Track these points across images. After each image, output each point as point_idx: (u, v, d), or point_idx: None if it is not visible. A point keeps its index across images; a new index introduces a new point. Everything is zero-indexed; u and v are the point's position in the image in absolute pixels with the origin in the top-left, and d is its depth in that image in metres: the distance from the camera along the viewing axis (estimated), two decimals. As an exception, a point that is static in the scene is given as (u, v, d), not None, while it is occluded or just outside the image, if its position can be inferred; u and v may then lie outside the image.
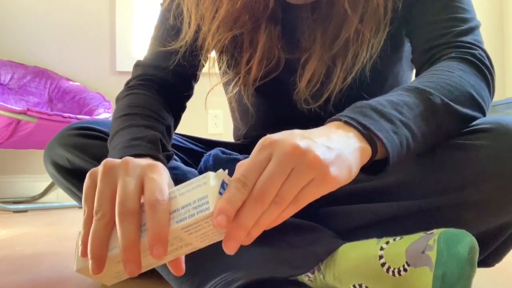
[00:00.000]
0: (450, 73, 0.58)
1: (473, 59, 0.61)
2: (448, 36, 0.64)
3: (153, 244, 0.39)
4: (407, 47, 0.77)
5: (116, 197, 0.42)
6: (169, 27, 0.78)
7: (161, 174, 0.44)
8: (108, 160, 0.46)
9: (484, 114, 0.59)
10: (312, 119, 0.73)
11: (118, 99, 0.74)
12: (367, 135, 0.46)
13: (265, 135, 0.42)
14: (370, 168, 0.49)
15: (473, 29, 0.65)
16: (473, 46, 0.63)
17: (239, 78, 0.74)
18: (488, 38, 2.60)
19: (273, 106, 0.80)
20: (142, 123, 0.65)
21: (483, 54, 0.63)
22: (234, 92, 0.78)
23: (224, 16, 0.70)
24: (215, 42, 0.73)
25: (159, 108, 0.71)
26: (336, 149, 0.42)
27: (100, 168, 0.45)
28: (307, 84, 0.70)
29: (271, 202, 0.39)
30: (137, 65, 0.80)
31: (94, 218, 0.42)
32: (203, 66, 0.81)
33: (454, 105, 0.55)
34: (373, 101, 0.51)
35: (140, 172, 0.44)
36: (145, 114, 0.67)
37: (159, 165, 0.46)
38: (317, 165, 0.39)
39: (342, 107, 0.51)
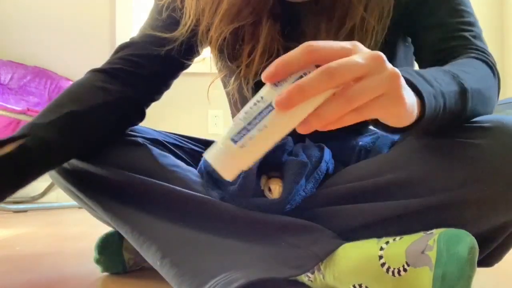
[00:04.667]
0: (475, 70, 0.60)
1: (490, 64, 0.65)
2: (464, 39, 0.67)
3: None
4: (404, 47, 0.78)
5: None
6: (161, 19, 0.78)
7: None
8: None
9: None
10: None
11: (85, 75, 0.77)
12: (418, 92, 0.46)
13: None
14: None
15: (481, 35, 0.70)
16: (488, 52, 0.67)
17: (241, 70, 0.75)
18: (488, 38, 2.59)
19: None
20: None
21: (494, 63, 0.67)
22: (236, 84, 0.78)
23: (227, 9, 0.71)
24: (217, 35, 0.73)
25: (86, 96, 0.72)
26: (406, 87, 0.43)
27: None
28: None
29: (344, 98, 0.38)
30: (118, 50, 0.81)
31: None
32: (187, 66, 0.81)
33: (476, 93, 0.56)
34: (415, 69, 0.51)
35: None
36: (57, 107, 0.69)
37: None
38: (395, 78, 0.40)
39: None
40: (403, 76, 0.46)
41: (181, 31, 0.76)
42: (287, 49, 0.73)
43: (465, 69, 0.58)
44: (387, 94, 0.40)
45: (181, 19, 0.77)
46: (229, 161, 0.40)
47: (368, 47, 0.68)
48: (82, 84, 0.75)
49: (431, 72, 0.53)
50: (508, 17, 2.59)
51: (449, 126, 0.56)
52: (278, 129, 0.39)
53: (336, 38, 0.69)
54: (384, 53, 0.72)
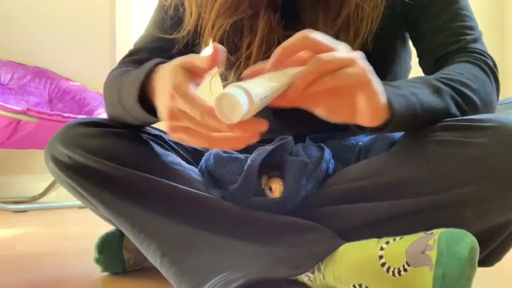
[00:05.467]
0: (460, 75, 0.62)
1: (485, 67, 0.66)
2: (462, 42, 0.69)
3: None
4: (404, 53, 0.79)
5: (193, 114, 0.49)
6: (168, 19, 0.80)
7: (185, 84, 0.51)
8: (161, 110, 0.54)
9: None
10: None
11: (108, 75, 0.79)
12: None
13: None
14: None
15: (480, 38, 0.71)
16: (486, 55, 0.68)
17: (240, 62, 0.75)
18: (488, 38, 2.59)
19: None
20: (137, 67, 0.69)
21: (494, 63, 0.68)
22: (235, 76, 0.78)
23: (223, 3, 0.72)
24: (216, 29, 0.75)
25: None
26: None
27: (167, 123, 0.53)
28: None
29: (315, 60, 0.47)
30: (128, 54, 0.84)
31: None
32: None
33: (456, 92, 0.59)
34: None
35: (174, 91, 0.51)
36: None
37: (175, 69, 0.52)
38: (364, 69, 0.48)
39: None
40: None
41: (187, 29, 0.77)
42: (286, 39, 0.74)
43: (446, 73, 0.62)
44: (353, 65, 0.48)
45: (184, 17, 0.78)
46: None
47: (364, 35, 0.71)
48: (110, 78, 0.77)
49: (401, 81, 0.59)
50: (508, 17, 2.59)
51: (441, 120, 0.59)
52: (274, 79, 0.47)
53: (333, 26, 0.71)
54: (381, 46, 0.75)
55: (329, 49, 0.49)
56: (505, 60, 2.54)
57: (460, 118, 0.57)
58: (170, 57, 0.78)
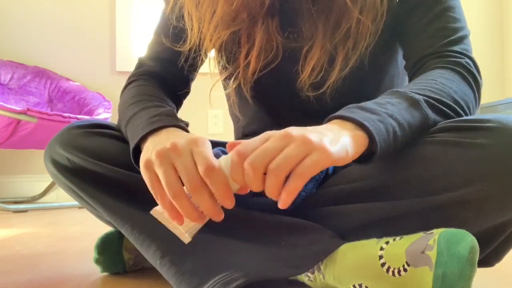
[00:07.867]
0: (433, 81, 0.61)
1: (458, 68, 0.65)
2: (437, 46, 0.68)
3: (223, 201, 0.51)
4: (401, 53, 0.79)
5: (183, 178, 0.51)
6: (172, 29, 0.81)
7: (205, 146, 0.53)
8: (158, 148, 0.54)
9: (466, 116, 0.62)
10: (309, 111, 0.75)
11: (122, 92, 0.80)
12: (359, 124, 0.52)
13: (263, 129, 0.46)
14: (364, 158, 0.53)
15: (462, 38, 0.68)
16: (461, 55, 0.66)
17: (239, 72, 0.75)
18: (488, 38, 2.59)
19: (273, 97, 0.81)
20: (153, 104, 0.71)
21: (470, 63, 0.66)
22: (234, 87, 0.79)
23: (222, 16, 0.72)
24: (214, 40, 0.75)
25: (163, 95, 0.77)
26: (328, 135, 0.49)
27: (153, 157, 0.54)
28: (310, 72, 0.72)
29: (271, 174, 0.45)
30: (140, 64, 0.85)
31: (174, 199, 0.51)
32: (201, 65, 0.84)
33: (433, 101, 0.59)
34: (357, 104, 0.56)
35: (188, 149, 0.52)
36: (152, 100, 0.73)
37: (200, 138, 0.54)
38: (307, 141, 0.46)
39: (338, 97, 0.61)
40: (342, 115, 0.53)
41: (191, 42, 0.77)
42: (285, 46, 0.74)
43: (418, 85, 0.61)
44: (312, 152, 0.46)
45: (186, 27, 0.79)
46: None
47: (362, 48, 0.70)
48: (124, 100, 0.77)
49: (376, 100, 0.57)
50: (508, 17, 2.59)
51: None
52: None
53: (332, 39, 0.71)
54: (381, 57, 0.74)
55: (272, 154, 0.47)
56: (505, 60, 2.54)
57: (460, 119, 0.57)
58: (176, 71, 0.81)
